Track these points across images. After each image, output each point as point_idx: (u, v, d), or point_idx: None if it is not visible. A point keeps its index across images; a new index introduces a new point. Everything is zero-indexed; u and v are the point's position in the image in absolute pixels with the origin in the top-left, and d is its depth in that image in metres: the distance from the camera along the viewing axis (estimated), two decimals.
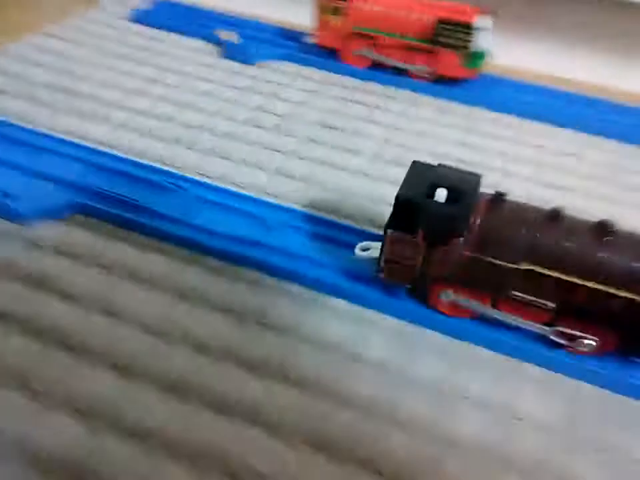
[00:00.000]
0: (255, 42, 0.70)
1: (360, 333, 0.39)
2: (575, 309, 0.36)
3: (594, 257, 0.34)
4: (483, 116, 0.63)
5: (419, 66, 0.64)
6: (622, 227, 0.36)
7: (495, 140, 0.59)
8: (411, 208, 0.36)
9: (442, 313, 0.40)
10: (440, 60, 0.63)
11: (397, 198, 0.36)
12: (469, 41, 0.61)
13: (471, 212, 0.36)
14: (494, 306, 0.38)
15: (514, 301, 0.37)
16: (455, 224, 0.36)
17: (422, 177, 0.38)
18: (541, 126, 0.62)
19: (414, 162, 0.40)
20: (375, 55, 0.65)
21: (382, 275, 0.39)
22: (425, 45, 0.62)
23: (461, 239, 0.36)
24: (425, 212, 0.36)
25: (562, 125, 0.62)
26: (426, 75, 0.65)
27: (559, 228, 0.36)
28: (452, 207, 0.36)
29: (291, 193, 0.50)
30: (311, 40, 0.68)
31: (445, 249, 0.37)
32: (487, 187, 0.39)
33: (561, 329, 0.37)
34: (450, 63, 0.63)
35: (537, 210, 0.37)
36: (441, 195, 0.36)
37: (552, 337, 0.38)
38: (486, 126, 0.61)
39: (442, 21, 0.61)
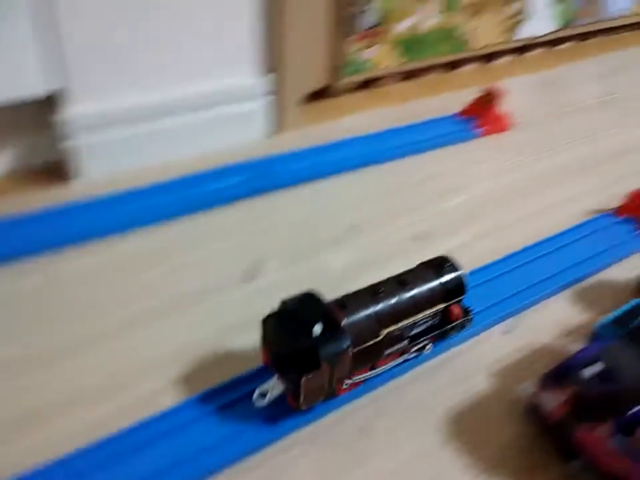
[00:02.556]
0: None
1: None
2: (416, 333, 0.54)
3: (408, 299, 0.52)
4: None
5: None
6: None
7: None
8: (311, 352, 0.45)
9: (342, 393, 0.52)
10: None
11: (298, 351, 0.46)
12: None
13: (346, 330, 0.47)
14: (373, 368, 0.52)
15: (385, 356, 0.52)
16: (345, 345, 0.47)
17: (286, 323, 0.48)
18: None
19: (267, 316, 0.50)
20: None
21: (303, 407, 0.48)
22: None
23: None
24: (324, 349, 0.46)
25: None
26: None
27: (381, 295, 0.50)
28: (336, 335, 0.47)
29: None
30: None
31: (342, 362, 0.47)
32: None
33: (414, 348, 0.55)
34: None
35: (363, 294, 0.51)
36: (318, 329, 0.46)
37: (413, 355, 0.55)
38: None
39: None
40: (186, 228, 0.75)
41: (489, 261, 0.70)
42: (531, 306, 0.66)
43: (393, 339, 0.51)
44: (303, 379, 0.46)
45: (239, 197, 0.79)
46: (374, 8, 1.00)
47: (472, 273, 0.67)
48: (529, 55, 1.38)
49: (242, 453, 0.48)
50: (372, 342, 0.49)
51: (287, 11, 0.84)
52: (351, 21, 0.99)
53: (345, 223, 0.77)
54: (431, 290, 0.53)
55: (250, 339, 0.56)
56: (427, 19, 1.09)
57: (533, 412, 0.50)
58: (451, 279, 0.54)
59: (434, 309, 0.54)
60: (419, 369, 0.58)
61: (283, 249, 0.72)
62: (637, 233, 0.76)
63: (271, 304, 0.63)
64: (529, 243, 0.74)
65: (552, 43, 1.41)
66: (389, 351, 0.52)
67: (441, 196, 0.85)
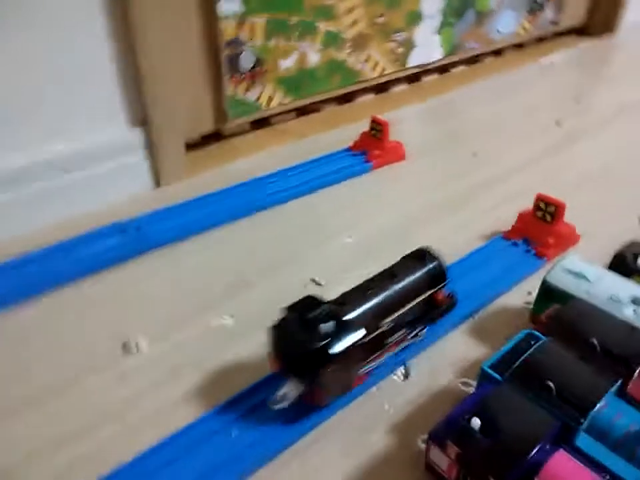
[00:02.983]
0: None
1: None
2: (410, 321, 0.58)
3: (400, 290, 0.56)
4: None
5: None
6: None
7: None
8: (323, 349, 0.48)
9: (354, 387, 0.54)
10: None
11: (311, 350, 0.48)
12: None
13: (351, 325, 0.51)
14: (379, 357, 0.56)
15: (387, 346, 0.56)
16: (354, 339, 0.50)
17: (294, 326, 0.51)
18: None
19: (274, 325, 0.52)
20: None
21: (322, 403, 0.52)
22: None
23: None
24: (336, 345, 0.48)
25: None
26: None
27: (375, 290, 0.54)
28: (344, 331, 0.50)
29: None
30: None
31: (353, 356, 0.50)
32: None
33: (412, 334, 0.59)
34: None
35: (358, 290, 0.55)
36: (326, 328, 0.49)
37: (413, 341, 0.59)
38: None
39: None
40: (52, 302, 0.68)
41: None
42: (431, 344, 0.63)
43: (392, 329, 0.56)
44: (320, 376, 0.49)
45: (112, 262, 0.74)
46: (252, 49, 0.98)
47: None
48: (423, 82, 1.40)
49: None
50: (375, 334, 0.53)
51: (149, 63, 0.80)
52: (231, 64, 0.96)
53: (232, 277, 0.73)
54: (418, 279, 0.58)
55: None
56: (311, 55, 1.07)
57: (431, 470, 0.47)
58: (434, 268, 0.59)
59: (422, 297, 0.58)
60: (316, 432, 0.53)
61: (164, 314, 0.67)
62: (529, 254, 0.75)
63: (156, 375, 0.58)
64: None
65: (444, 68, 1.44)
66: (389, 340, 0.56)
67: (335, 234, 0.82)
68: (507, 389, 0.45)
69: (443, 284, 0.60)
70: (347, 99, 1.26)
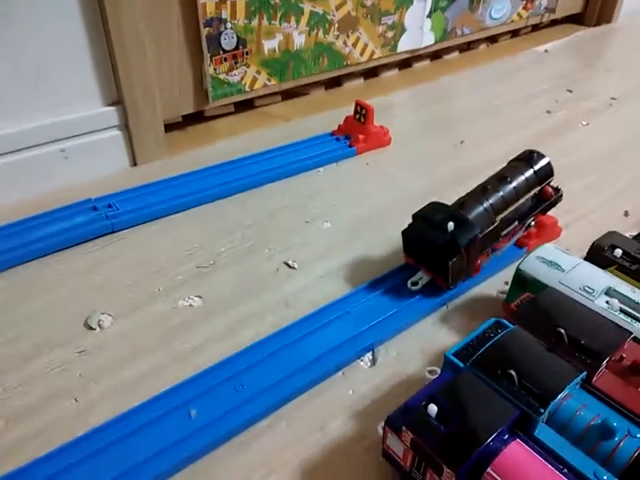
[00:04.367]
0: None
1: None
2: (521, 214, 0.67)
3: (512, 189, 0.65)
4: None
5: None
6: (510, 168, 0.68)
7: None
8: (451, 242, 0.59)
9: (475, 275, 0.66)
10: None
11: (441, 244, 0.60)
12: None
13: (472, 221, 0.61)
14: (494, 250, 0.67)
15: (502, 237, 0.66)
16: (475, 232, 0.60)
17: (424, 227, 0.62)
18: None
19: (406, 229, 0.64)
20: None
21: (451, 285, 0.63)
22: None
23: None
24: (461, 239, 0.59)
25: None
26: None
27: (489, 191, 0.64)
28: (466, 226, 0.60)
29: None
30: None
31: (474, 246, 0.61)
32: None
33: (522, 228, 0.69)
34: None
35: (475, 193, 0.64)
36: (451, 225, 0.60)
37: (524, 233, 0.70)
38: None
39: None
40: (17, 277, 0.67)
41: (360, 284, 0.66)
42: (402, 330, 0.62)
43: (505, 223, 0.65)
44: (450, 263, 0.59)
45: (81, 239, 0.72)
46: (234, 28, 0.95)
47: (338, 301, 0.63)
48: (414, 67, 1.38)
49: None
50: (491, 227, 0.63)
51: (122, 42, 0.78)
52: (212, 43, 0.94)
53: (203, 258, 0.71)
54: (527, 178, 0.66)
55: None
56: (295, 37, 1.05)
57: (388, 457, 0.46)
58: (542, 166, 0.68)
59: (531, 193, 0.67)
60: (276, 414, 0.53)
61: (130, 293, 0.66)
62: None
63: (115, 353, 0.57)
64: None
65: (436, 54, 1.42)
66: (504, 232, 0.66)
67: (314, 219, 0.80)
68: (468, 377, 0.44)
69: (550, 179, 0.68)
70: (335, 83, 1.24)
